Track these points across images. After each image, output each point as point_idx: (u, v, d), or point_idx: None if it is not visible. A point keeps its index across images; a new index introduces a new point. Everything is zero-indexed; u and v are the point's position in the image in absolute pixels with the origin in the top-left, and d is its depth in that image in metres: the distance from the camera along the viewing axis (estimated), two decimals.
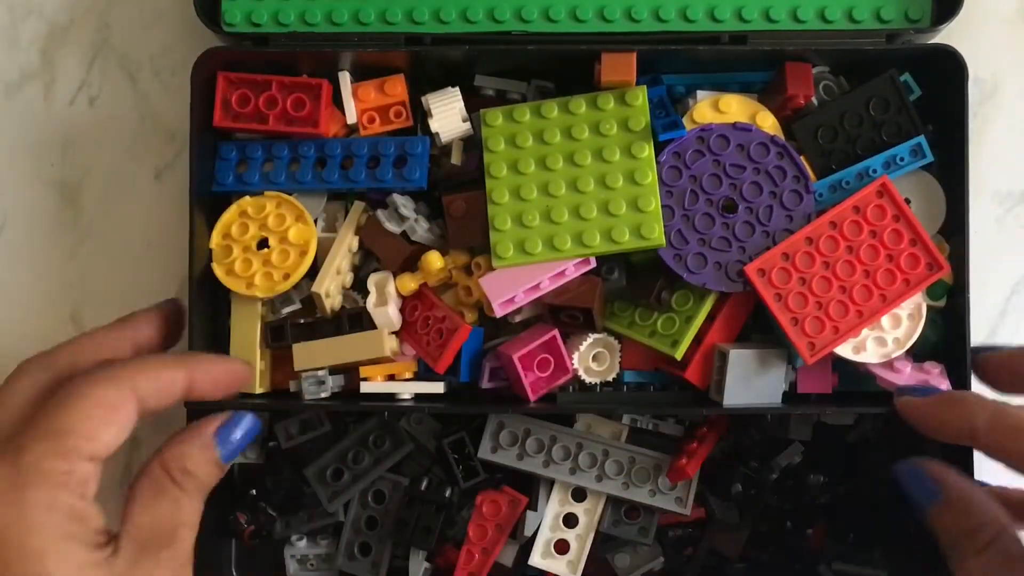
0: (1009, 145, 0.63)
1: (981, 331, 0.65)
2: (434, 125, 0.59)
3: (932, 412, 0.53)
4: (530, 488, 0.62)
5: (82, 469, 0.47)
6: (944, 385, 0.57)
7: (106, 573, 0.47)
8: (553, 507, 0.62)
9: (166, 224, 0.67)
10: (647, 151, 0.58)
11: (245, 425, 0.54)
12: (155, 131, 0.67)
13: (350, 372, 0.60)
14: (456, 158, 0.60)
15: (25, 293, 0.67)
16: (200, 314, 0.59)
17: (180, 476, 0.50)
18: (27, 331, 0.67)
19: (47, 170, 0.67)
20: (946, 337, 0.60)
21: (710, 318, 0.59)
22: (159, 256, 0.67)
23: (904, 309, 0.58)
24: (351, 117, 0.60)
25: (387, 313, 0.59)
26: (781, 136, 0.59)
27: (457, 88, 0.60)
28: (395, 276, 0.60)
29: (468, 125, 0.60)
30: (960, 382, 0.57)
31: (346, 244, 0.60)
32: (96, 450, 0.47)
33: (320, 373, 0.59)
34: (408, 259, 0.60)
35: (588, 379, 0.60)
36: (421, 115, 0.61)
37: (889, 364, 0.58)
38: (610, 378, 0.60)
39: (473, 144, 0.61)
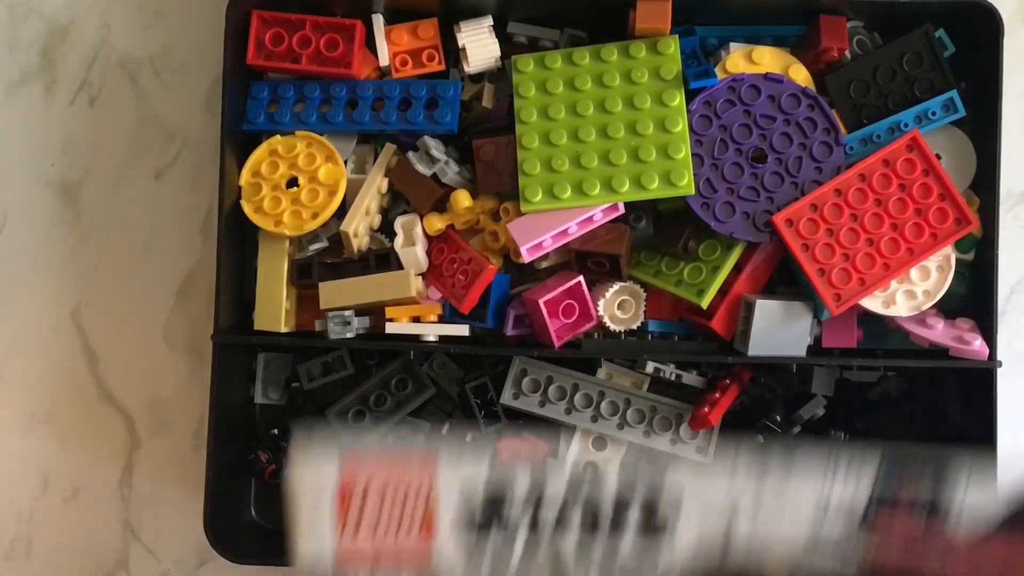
0: (1009, 145, 0.61)
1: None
2: (461, 40, 0.59)
3: None
4: (551, 436, 0.62)
5: None
6: (977, 341, 0.57)
7: None
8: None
9: (166, 224, 0.66)
10: (678, 99, 0.58)
11: None
12: (155, 131, 0.67)
13: (375, 315, 0.60)
14: (487, 102, 0.60)
15: (25, 293, 0.67)
16: (228, 251, 0.59)
17: None
18: (27, 331, 0.67)
19: (47, 170, 0.67)
20: (974, 290, 0.59)
21: (737, 268, 0.59)
22: (159, 256, 0.66)
23: (933, 261, 0.58)
24: (384, 59, 0.60)
25: (415, 253, 0.59)
26: (813, 89, 0.59)
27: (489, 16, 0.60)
28: (422, 218, 0.60)
29: (496, 47, 0.59)
30: (987, 335, 0.57)
31: (376, 185, 0.60)
32: None
33: (346, 313, 0.59)
34: (438, 201, 0.60)
35: (613, 327, 0.60)
36: (453, 60, 0.61)
37: (921, 320, 0.58)
38: (634, 327, 0.60)
39: (504, 90, 0.61)
